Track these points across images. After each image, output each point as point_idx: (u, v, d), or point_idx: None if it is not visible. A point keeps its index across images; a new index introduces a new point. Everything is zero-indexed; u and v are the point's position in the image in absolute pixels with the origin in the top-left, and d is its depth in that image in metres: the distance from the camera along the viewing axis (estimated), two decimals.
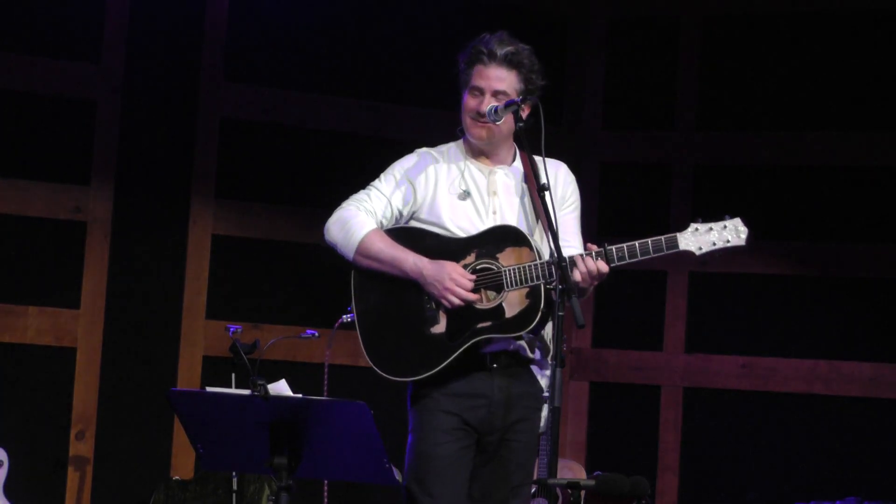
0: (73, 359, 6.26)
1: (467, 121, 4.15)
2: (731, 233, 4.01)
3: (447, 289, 3.99)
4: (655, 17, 7.09)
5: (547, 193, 3.90)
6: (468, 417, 4.06)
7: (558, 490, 5.50)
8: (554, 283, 3.83)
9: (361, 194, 4.18)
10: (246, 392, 3.42)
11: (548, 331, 4.12)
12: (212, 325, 6.41)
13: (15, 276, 6.22)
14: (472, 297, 4.00)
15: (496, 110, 4.06)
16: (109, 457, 6.29)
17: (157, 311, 6.41)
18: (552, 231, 3.85)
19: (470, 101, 4.13)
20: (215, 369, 6.33)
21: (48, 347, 6.23)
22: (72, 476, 6.24)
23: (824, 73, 6.83)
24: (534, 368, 4.17)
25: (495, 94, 4.10)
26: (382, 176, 4.21)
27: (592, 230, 7.04)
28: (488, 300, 4.03)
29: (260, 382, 3.41)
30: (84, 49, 6.31)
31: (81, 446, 6.25)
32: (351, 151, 6.58)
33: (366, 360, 4.08)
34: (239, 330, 5.92)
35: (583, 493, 3.79)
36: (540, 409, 4.17)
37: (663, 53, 7.06)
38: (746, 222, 3.99)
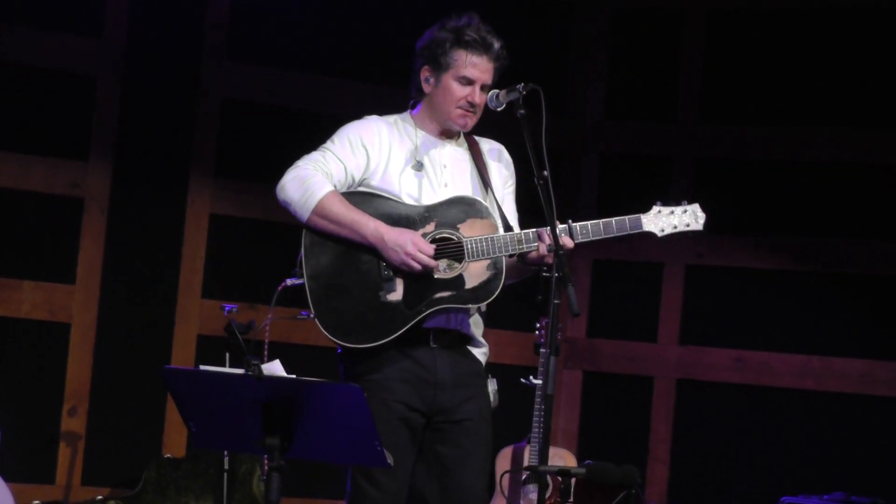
0: (67, 334, 6.25)
1: (453, 109, 4.09)
2: (690, 217, 4.11)
3: (409, 254, 3.94)
4: (659, 9, 7.09)
5: (546, 184, 3.84)
6: (414, 402, 4.02)
7: (549, 477, 5.49)
8: (551, 272, 3.82)
9: (316, 155, 4.10)
10: (240, 371, 3.42)
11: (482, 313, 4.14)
12: (207, 304, 6.40)
13: (10, 249, 6.21)
14: (432, 263, 3.96)
15: (497, 96, 4.04)
16: (102, 433, 6.29)
17: (153, 289, 6.41)
18: (550, 221, 3.83)
19: (459, 90, 4.07)
20: (210, 348, 6.33)
21: (42, 322, 6.22)
22: (63, 452, 6.23)
23: (828, 68, 6.82)
24: (470, 346, 4.14)
25: (483, 87, 4.08)
26: (336, 138, 4.14)
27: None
28: (448, 270, 4.00)
29: (254, 362, 3.40)
30: (86, 24, 6.29)
31: (74, 422, 6.25)
32: None
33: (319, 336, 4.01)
34: (234, 309, 5.91)
35: (573, 481, 3.77)
36: (486, 385, 4.15)
37: (667, 46, 7.06)
38: (704, 208, 4.10)
